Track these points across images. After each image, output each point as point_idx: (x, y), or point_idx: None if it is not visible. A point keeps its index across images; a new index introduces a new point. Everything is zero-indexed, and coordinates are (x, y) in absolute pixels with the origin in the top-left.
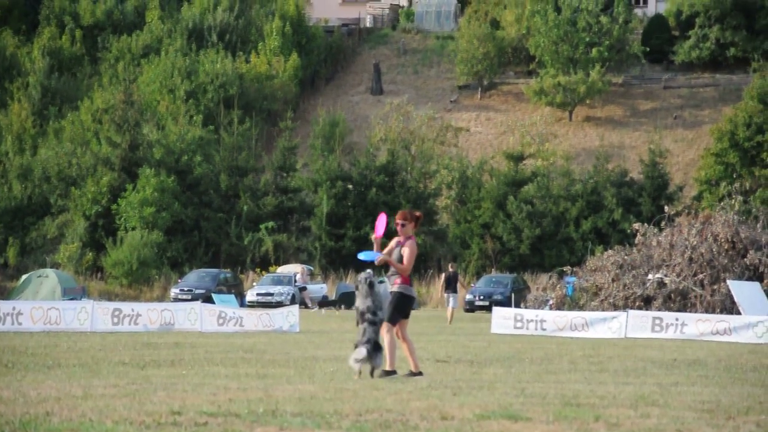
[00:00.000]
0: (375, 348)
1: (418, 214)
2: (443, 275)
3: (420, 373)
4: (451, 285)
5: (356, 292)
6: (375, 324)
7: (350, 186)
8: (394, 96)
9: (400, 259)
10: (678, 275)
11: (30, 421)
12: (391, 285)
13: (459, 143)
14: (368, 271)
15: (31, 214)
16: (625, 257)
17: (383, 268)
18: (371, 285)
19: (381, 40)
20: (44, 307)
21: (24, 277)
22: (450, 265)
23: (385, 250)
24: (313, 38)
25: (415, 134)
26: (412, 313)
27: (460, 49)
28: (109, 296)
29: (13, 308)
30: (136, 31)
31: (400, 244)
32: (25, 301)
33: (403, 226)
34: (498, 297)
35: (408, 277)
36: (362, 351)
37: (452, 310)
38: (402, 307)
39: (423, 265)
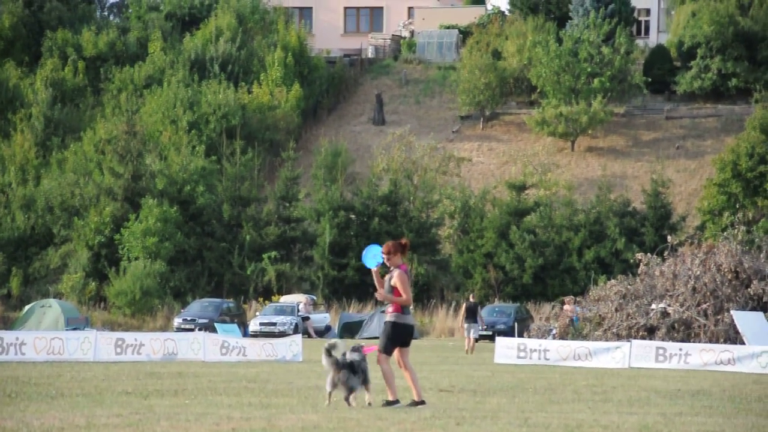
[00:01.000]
0: (351, 368)
1: (404, 242)
2: (463, 305)
3: (423, 402)
4: (471, 315)
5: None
6: (357, 350)
7: (353, 216)
8: (397, 126)
9: (391, 290)
10: (681, 305)
11: None
12: (385, 314)
13: (461, 173)
14: (329, 342)
15: (34, 244)
16: (628, 287)
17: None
18: (328, 353)
19: (383, 70)
20: (47, 337)
21: (27, 307)
22: (470, 296)
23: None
24: (315, 69)
25: (418, 164)
26: (412, 343)
27: (462, 79)
28: (112, 326)
29: (17, 338)
30: (138, 62)
31: (389, 275)
32: (28, 332)
33: (388, 259)
34: (501, 327)
35: (400, 306)
36: (330, 342)
37: (473, 340)
38: (396, 336)
39: (426, 295)
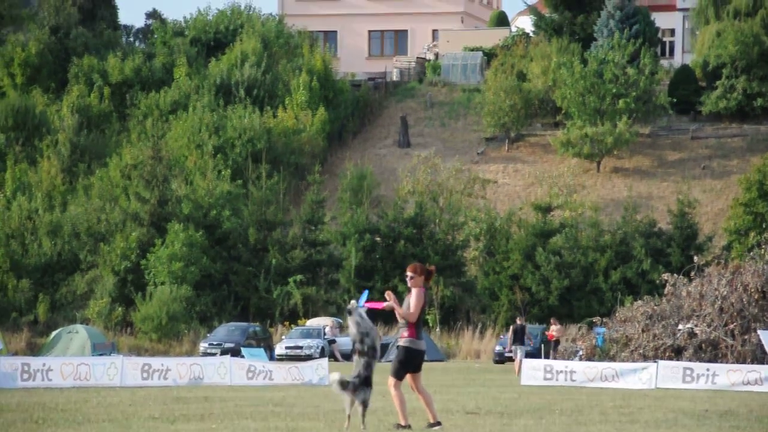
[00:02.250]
0: (363, 382)
1: (431, 268)
2: (511, 327)
3: (439, 423)
4: (519, 337)
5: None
6: (364, 354)
7: (378, 239)
8: (422, 148)
9: (409, 309)
10: (708, 325)
11: None
12: (399, 338)
13: (487, 195)
14: (352, 301)
15: (60, 270)
16: (655, 307)
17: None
18: (349, 312)
19: (408, 93)
20: (74, 363)
21: (54, 333)
22: (518, 318)
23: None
24: (340, 92)
25: (443, 186)
26: (438, 365)
27: (487, 101)
28: (138, 351)
29: (44, 364)
30: (164, 88)
31: (408, 296)
32: (55, 358)
33: (411, 278)
34: (528, 348)
35: (416, 331)
36: (334, 375)
37: (520, 362)
38: (408, 361)
39: (452, 317)
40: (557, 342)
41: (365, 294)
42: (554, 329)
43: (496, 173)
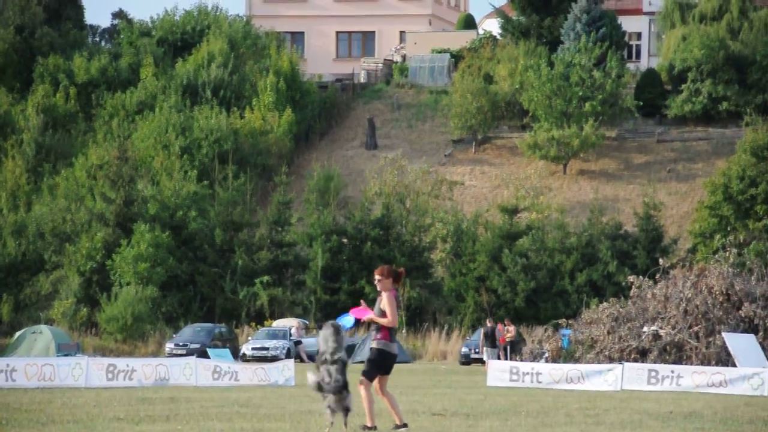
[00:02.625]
0: (343, 387)
1: (399, 270)
2: (482, 330)
3: (405, 425)
4: (489, 340)
5: (319, 335)
6: (336, 363)
7: (345, 240)
8: (389, 150)
9: (382, 313)
10: (673, 327)
11: None
12: (372, 340)
13: (453, 197)
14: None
15: (25, 270)
16: (620, 310)
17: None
18: (338, 331)
19: (375, 95)
20: (38, 363)
21: (18, 333)
22: (488, 321)
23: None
24: (307, 93)
25: (410, 188)
26: (405, 366)
27: (454, 103)
28: (103, 352)
29: (7, 365)
30: (130, 88)
31: (379, 299)
32: (19, 358)
33: (379, 281)
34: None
35: (389, 334)
36: (312, 377)
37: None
38: (381, 363)
39: (418, 318)
40: (512, 343)
41: (351, 322)
42: (507, 330)
43: (463, 175)
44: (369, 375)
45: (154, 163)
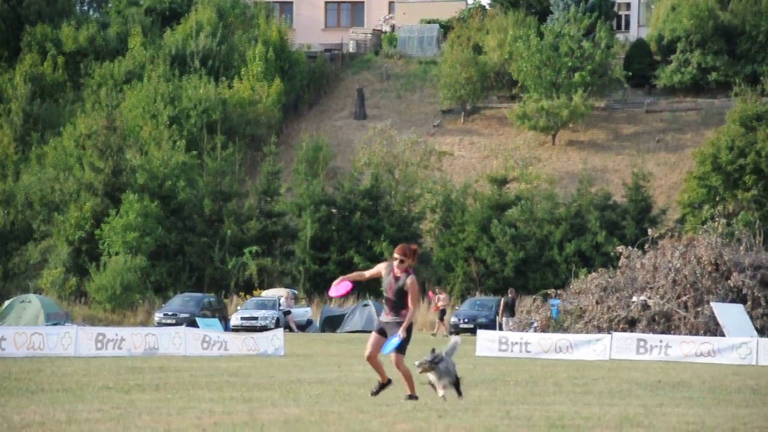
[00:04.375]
0: (440, 360)
1: (414, 247)
2: (502, 300)
3: (383, 387)
4: (509, 309)
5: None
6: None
7: (334, 210)
8: (378, 120)
9: (402, 293)
10: (662, 297)
11: None
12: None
13: (443, 167)
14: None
15: (13, 239)
16: (609, 280)
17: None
18: (439, 361)
19: (364, 65)
20: (27, 332)
21: (7, 302)
22: (510, 291)
23: (370, 272)
24: (296, 64)
25: (399, 158)
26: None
27: (443, 74)
28: (92, 321)
29: None
30: (118, 57)
31: (395, 277)
32: (8, 327)
33: (402, 261)
34: (482, 320)
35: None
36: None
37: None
38: (410, 337)
39: None
40: (443, 311)
41: (396, 344)
42: (440, 298)
43: (452, 145)
44: (403, 349)
45: (143, 132)
